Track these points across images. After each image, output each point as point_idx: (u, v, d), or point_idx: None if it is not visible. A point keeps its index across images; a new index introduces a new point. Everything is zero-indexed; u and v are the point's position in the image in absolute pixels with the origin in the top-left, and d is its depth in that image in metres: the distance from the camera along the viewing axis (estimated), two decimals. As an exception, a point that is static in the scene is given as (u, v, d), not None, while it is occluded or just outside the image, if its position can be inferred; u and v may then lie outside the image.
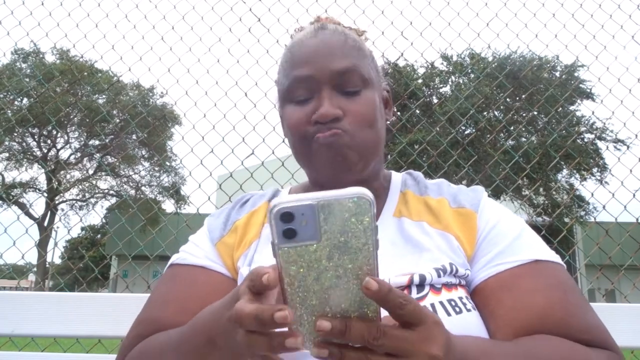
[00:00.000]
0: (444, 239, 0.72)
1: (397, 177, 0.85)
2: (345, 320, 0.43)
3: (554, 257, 0.70)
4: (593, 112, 4.16)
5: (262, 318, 0.42)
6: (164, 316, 0.71)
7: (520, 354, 0.56)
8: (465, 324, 0.63)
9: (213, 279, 0.75)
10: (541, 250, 0.69)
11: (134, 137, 15.30)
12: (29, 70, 14.80)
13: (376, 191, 0.80)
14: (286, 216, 0.40)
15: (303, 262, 0.42)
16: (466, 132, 9.45)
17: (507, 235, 0.71)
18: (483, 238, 0.72)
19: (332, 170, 0.72)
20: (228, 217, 0.83)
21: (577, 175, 10.18)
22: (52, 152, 17.88)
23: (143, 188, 18.13)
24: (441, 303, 0.64)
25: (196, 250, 0.79)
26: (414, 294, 0.64)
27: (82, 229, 27.62)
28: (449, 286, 0.67)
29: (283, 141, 2.15)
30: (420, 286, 0.66)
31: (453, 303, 0.65)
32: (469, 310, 0.65)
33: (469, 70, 9.50)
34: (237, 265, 0.76)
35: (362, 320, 0.43)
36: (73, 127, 17.29)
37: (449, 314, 0.63)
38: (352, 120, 0.72)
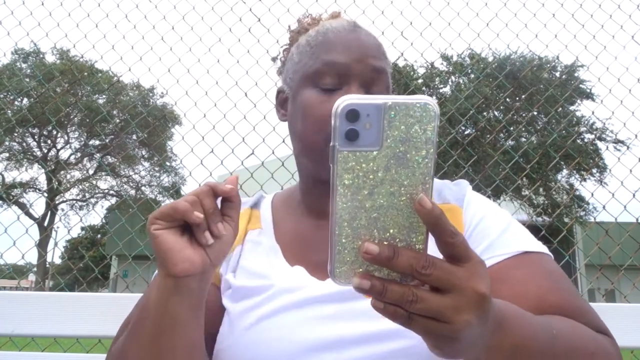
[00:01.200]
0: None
1: None
2: (394, 246, 0.41)
3: (542, 247, 0.70)
4: (593, 112, 4.17)
5: (215, 185, 0.47)
6: None
7: (547, 322, 0.55)
8: None
9: None
10: (529, 242, 0.70)
11: (134, 137, 15.29)
12: (29, 71, 14.80)
13: None
14: (352, 114, 0.39)
15: (360, 172, 0.40)
16: (466, 132, 9.45)
17: (494, 229, 0.71)
18: (470, 233, 0.72)
19: None
20: None
21: (577, 176, 10.18)
22: (52, 152, 17.88)
23: (143, 188, 18.13)
24: None
25: None
26: None
27: (82, 229, 27.65)
28: None
29: (283, 141, 2.15)
30: None
31: None
32: None
33: (469, 71, 9.50)
34: (220, 271, 0.76)
35: (411, 249, 0.41)
36: (73, 127, 17.28)
37: None
38: None
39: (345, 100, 0.39)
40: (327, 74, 0.71)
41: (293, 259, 0.73)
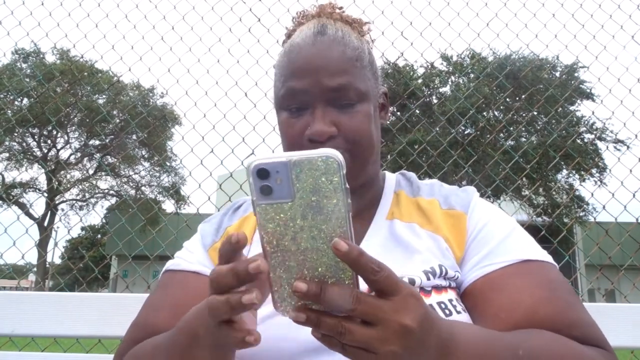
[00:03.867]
0: (433, 240, 0.72)
1: (391, 178, 0.85)
2: (321, 283, 0.43)
3: (545, 256, 0.69)
4: (593, 112, 4.16)
5: (238, 271, 0.44)
6: (157, 321, 0.71)
7: (514, 342, 0.55)
8: None
9: (205, 284, 0.75)
10: (531, 250, 0.69)
11: (134, 137, 15.29)
12: (29, 70, 14.80)
13: (372, 195, 0.80)
14: (262, 172, 0.43)
15: (280, 221, 0.44)
16: (466, 132, 9.45)
17: (496, 236, 0.71)
18: (472, 239, 0.72)
19: None
20: (220, 223, 0.83)
21: (577, 176, 10.17)
22: (52, 152, 17.88)
23: (143, 188, 18.14)
24: (431, 306, 0.64)
25: (189, 256, 0.79)
26: None
27: (82, 229, 27.64)
28: (438, 289, 0.67)
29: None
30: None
31: (443, 305, 0.65)
32: (459, 312, 0.65)
33: (469, 70, 9.50)
34: None
35: (338, 285, 0.44)
36: (73, 127, 17.28)
37: None
38: (346, 136, 0.71)
39: (255, 161, 0.43)
40: (292, 99, 0.74)
41: None
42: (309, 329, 0.62)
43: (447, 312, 0.64)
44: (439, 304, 0.64)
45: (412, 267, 0.68)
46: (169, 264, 0.80)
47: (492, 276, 0.66)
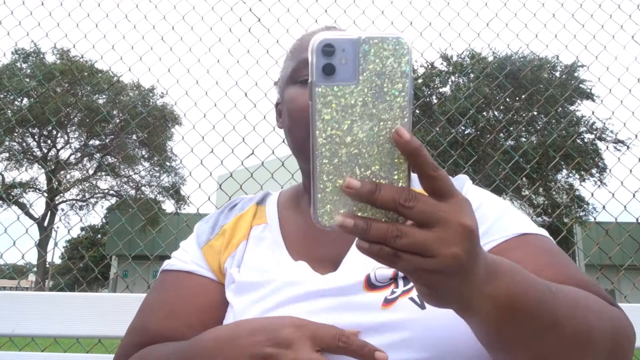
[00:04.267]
0: None
1: None
2: (376, 182, 0.40)
3: (541, 230, 0.70)
4: (593, 112, 4.14)
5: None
6: (152, 322, 0.72)
7: (548, 283, 0.53)
8: (453, 313, 0.62)
9: (198, 282, 0.76)
10: (526, 225, 0.70)
11: (134, 137, 15.29)
12: (29, 70, 14.80)
13: None
14: (327, 49, 0.40)
15: (338, 106, 0.40)
16: (466, 132, 9.45)
17: (491, 216, 0.71)
18: None
19: None
20: (216, 221, 0.84)
21: (577, 176, 10.18)
22: (52, 152, 17.89)
23: (143, 188, 18.15)
24: None
25: (184, 256, 0.80)
26: (401, 287, 0.64)
27: (82, 229, 27.64)
28: None
29: (283, 141, 2.15)
30: (407, 278, 0.65)
31: None
32: None
33: (469, 70, 9.50)
34: (224, 266, 0.77)
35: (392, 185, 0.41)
36: (73, 127, 17.29)
37: None
38: None
39: (321, 36, 0.40)
40: (304, 69, 0.74)
41: (296, 254, 0.74)
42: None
43: None
44: None
45: None
46: (165, 264, 0.80)
47: (492, 252, 0.66)
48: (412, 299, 0.63)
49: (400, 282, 0.65)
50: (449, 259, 0.39)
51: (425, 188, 0.41)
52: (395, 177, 0.41)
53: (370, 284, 0.65)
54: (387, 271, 0.66)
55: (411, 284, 0.65)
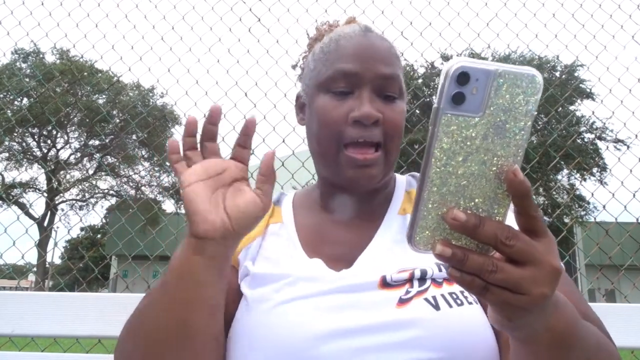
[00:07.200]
0: None
1: (401, 179, 0.88)
2: (479, 215, 0.41)
3: None
4: (593, 112, 4.14)
5: None
6: None
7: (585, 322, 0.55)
8: (467, 315, 0.63)
9: None
10: None
11: (134, 137, 15.29)
12: (29, 70, 14.81)
13: (385, 194, 0.83)
14: (462, 77, 0.39)
15: (459, 137, 0.40)
16: (466, 132, 9.43)
17: None
18: None
19: (356, 182, 0.74)
20: None
21: (577, 175, 10.18)
22: (52, 152, 17.88)
23: (143, 188, 18.13)
24: (442, 296, 0.64)
25: None
26: (416, 287, 0.65)
27: (82, 229, 27.63)
28: (450, 280, 0.67)
29: (283, 141, 2.14)
30: (422, 280, 0.66)
31: (454, 296, 0.65)
32: (470, 303, 0.65)
33: (469, 70, 9.49)
34: (239, 258, 0.79)
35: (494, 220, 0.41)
36: (73, 127, 17.29)
37: (450, 306, 0.63)
38: (385, 128, 0.73)
39: (459, 62, 0.39)
40: (339, 81, 0.75)
41: (311, 252, 0.75)
42: (324, 317, 0.64)
43: (458, 302, 0.64)
44: (450, 294, 0.65)
45: (424, 259, 0.69)
46: None
47: None
48: (426, 299, 0.64)
49: (416, 283, 0.66)
50: (538, 298, 0.41)
51: (523, 225, 0.43)
52: (495, 211, 0.42)
53: (385, 283, 0.66)
54: (404, 274, 0.66)
55: (426, 285, 0.66)
